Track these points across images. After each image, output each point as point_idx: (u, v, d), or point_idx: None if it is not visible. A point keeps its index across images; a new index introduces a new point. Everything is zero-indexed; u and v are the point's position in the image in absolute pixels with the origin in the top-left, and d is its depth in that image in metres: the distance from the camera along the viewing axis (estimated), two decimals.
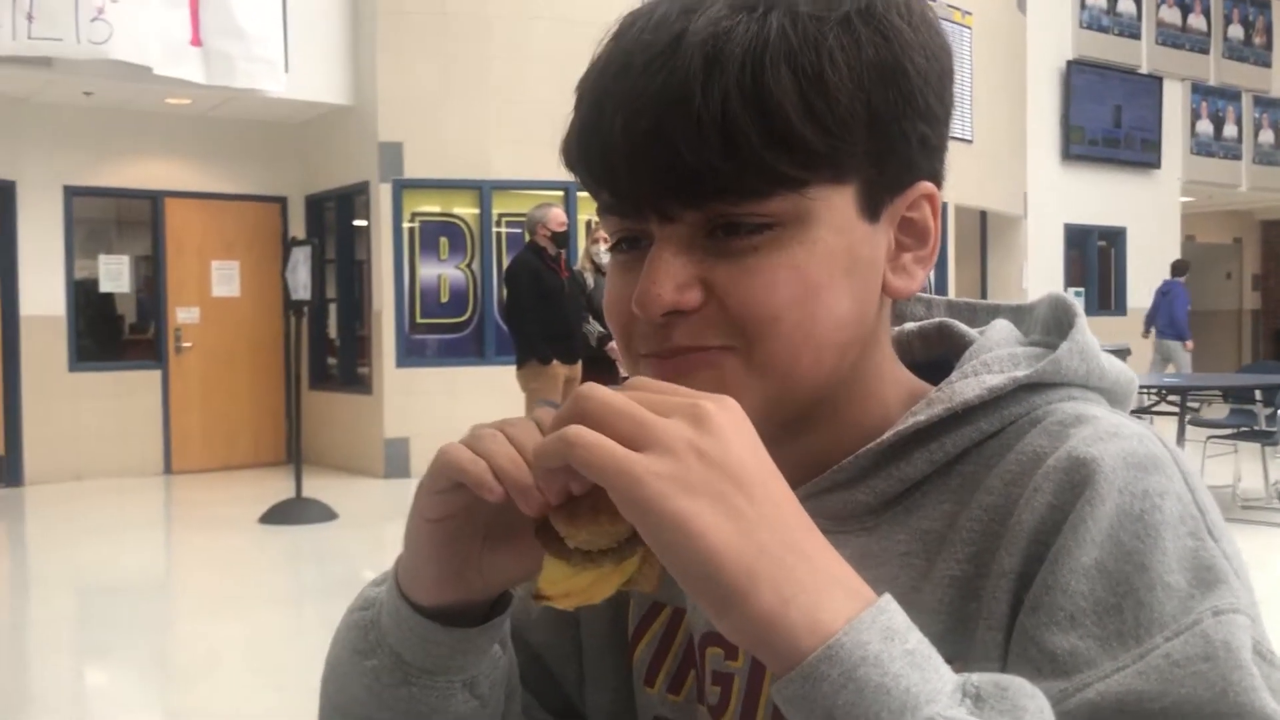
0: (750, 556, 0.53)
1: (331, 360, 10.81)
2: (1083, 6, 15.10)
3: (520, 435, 0.63)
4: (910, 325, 0.84)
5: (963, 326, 0.81)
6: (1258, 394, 7.85)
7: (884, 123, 0.66)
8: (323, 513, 7.52)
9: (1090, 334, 0.74)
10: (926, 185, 0.71)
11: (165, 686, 4.51)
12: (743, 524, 0.53)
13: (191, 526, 8.21)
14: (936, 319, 0.83)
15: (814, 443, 0.73)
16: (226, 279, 10.33)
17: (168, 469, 10.02)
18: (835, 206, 0.67)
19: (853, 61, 0.65)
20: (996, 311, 0.83)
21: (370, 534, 7.54)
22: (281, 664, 4.62)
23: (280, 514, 7.46)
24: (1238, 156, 17.16)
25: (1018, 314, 0.81)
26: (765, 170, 0.64)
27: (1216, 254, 19.93)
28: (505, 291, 6.93)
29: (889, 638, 0.53)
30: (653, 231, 0.68)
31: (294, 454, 8.08)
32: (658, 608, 0.82)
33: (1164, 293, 13.43)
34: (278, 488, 8.10)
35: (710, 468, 0.54)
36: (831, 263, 0.67)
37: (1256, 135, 17.31)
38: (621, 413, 0.55)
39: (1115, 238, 15.90)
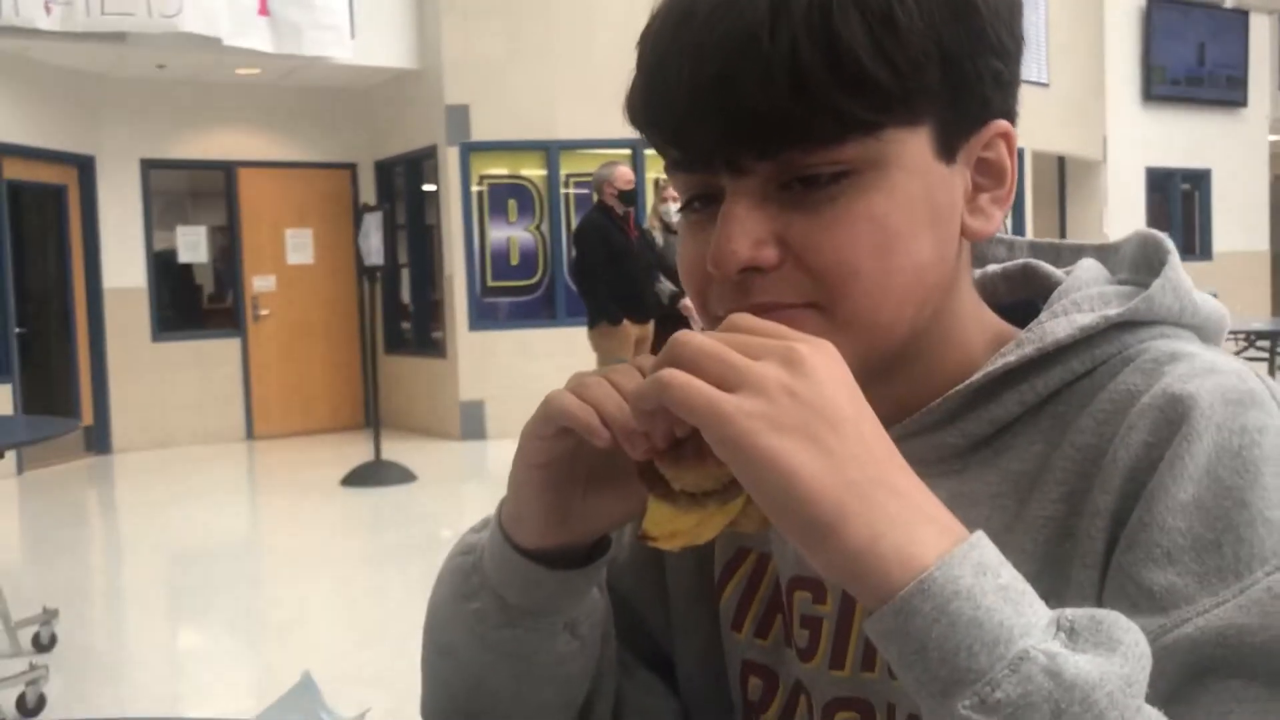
0: (840, 492, 0.53)
1: (405, 325, 10.92)
2: None
3: (624, 382, 0.64)
4: (993, 267, 0.83)
5: (1048, 267, 0.80)
6: None
7: (956, 60, 0.64)
8: (402, 475, 7.63)
9: (1183, 271, 0.72)
10: (1001, 124, 0.69)
11: (255, 644, 4.62)
12: (833, 461, 0.54)
13: (275, 490, 8.38)
14: (1020, 260, 0.82)
15: (899, 389, 0.71)
16: (300, 247, 10.46)
17: (250, 434, 10.23)
18: (911, 149, 0.65)
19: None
20: (1081, 251, 0.81)
21: (449, 494, 7.64)
22: (366, 621, 4.71)
23: (361, 476, 7.58)
24: None
25: (1104, 253, 0.79)
26: (838, 113, 0.62)
27: None
28: (574, 252, 6.89)
29: (981, 572, 0.53)
30: (724, 186, 0.66)
31: (372, 418, 8.20)
32: (744, 552, 0.82)
33: None
34: (357, 451, 8.23)
35: (801, 407, 0.54)
36: (911, 208, 0.65)
37: None
38: (713, 355, 0.55)
39: (1199, 180, 15.45)
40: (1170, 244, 0.74)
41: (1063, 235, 14.08)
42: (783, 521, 0.54)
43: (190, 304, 10.68)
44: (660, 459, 0.61)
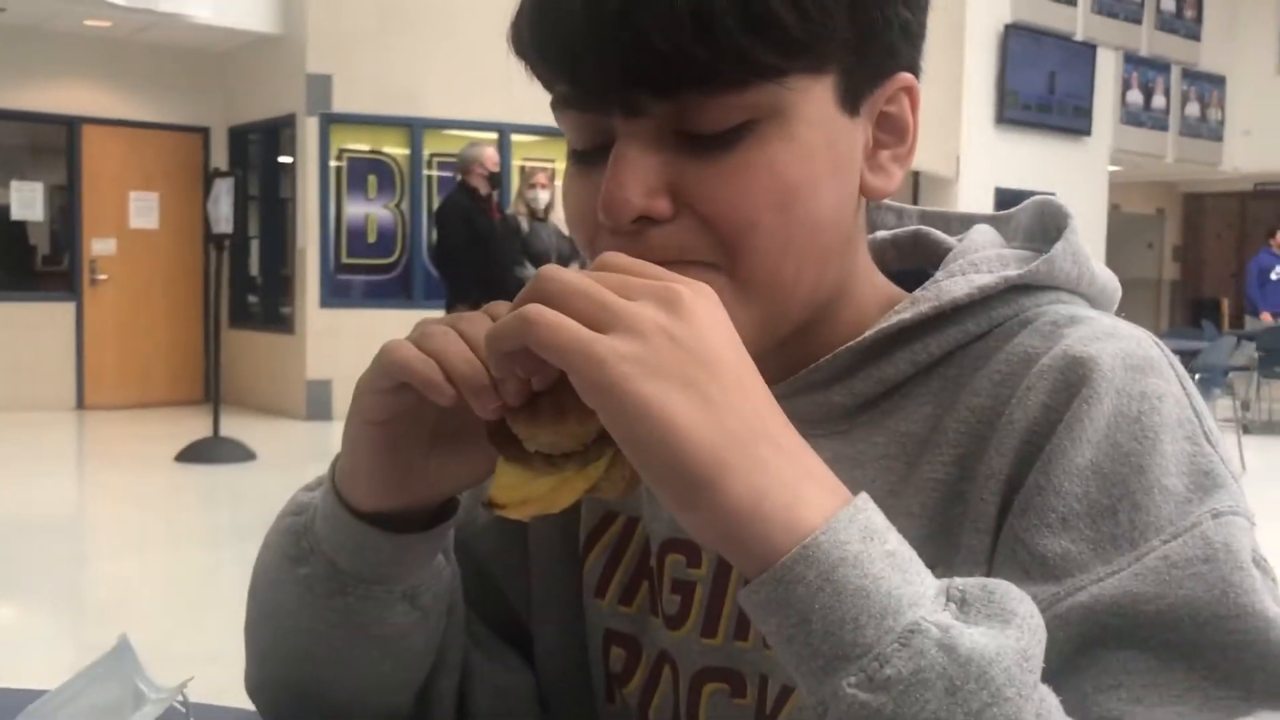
0: (721, 444, 0.49)
1: (253, 298, 10.59)
2: None
3: (474, 331, 0.58)
4: (883, 234, 0.81)
5: (939, 234, 0.78)
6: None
7: (865, 6, 0.62)
8: (241, 453, 7.37)
9: (1082, 239, 0.71)
10: (906, 77, 0.67)
11: (78, 623, 4.40)
12: (713, 411, 0.50)
13: (105, 463, 8.02)
14: (911, 227, 0.80)
15: (791, 349, 0.69)
16: (145, 210, 10.03)
17: (80, 404, 9.77)
18: (814, 98, 0.62)
19: None
20: (972, 220, 0.79)
21: (290, 476, 7.40)
22: (197, 603, 4.53)
23: (197, 453, 7.30)
24: (1165, 128, 17.45)
25: (998, 222, 0.78)
26: (742, 56, 0.59)
27: (1140, 224, 20.32)
28: (435, 233, 6.74)
29: (868, 537, 0.50)
30: (616, 128, 0.62)
31: (212, 392, 7.91)
32: (611, 516, 0.78)
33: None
34: (195, 426, 7.94)
35: (680, 351, 0.50)
36: (812, 161, 0.62)
37: (1184, 107, 17.60)
38: (585, 292, 0.51)
39: None
40: (1070, 211, 0.73)
41: None
42: (657, 477, 0.50)
43: (22, 264, 10.15)
44: (514, 416, 0.55)
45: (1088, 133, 16.25)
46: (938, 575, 0.52)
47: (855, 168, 0.66)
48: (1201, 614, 0.55)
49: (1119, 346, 0.62)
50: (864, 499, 0.52)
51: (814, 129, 0.62)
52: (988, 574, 0.60)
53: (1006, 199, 15.36)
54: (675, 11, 0.57)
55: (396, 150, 9.52)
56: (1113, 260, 15.12)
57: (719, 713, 0.71)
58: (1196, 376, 7.14)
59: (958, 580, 0.51)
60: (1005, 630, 0.48)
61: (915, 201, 14.69)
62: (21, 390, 9.39)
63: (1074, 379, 0.61)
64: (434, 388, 0.57)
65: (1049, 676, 0.53)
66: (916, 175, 14.22)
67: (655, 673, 0.74)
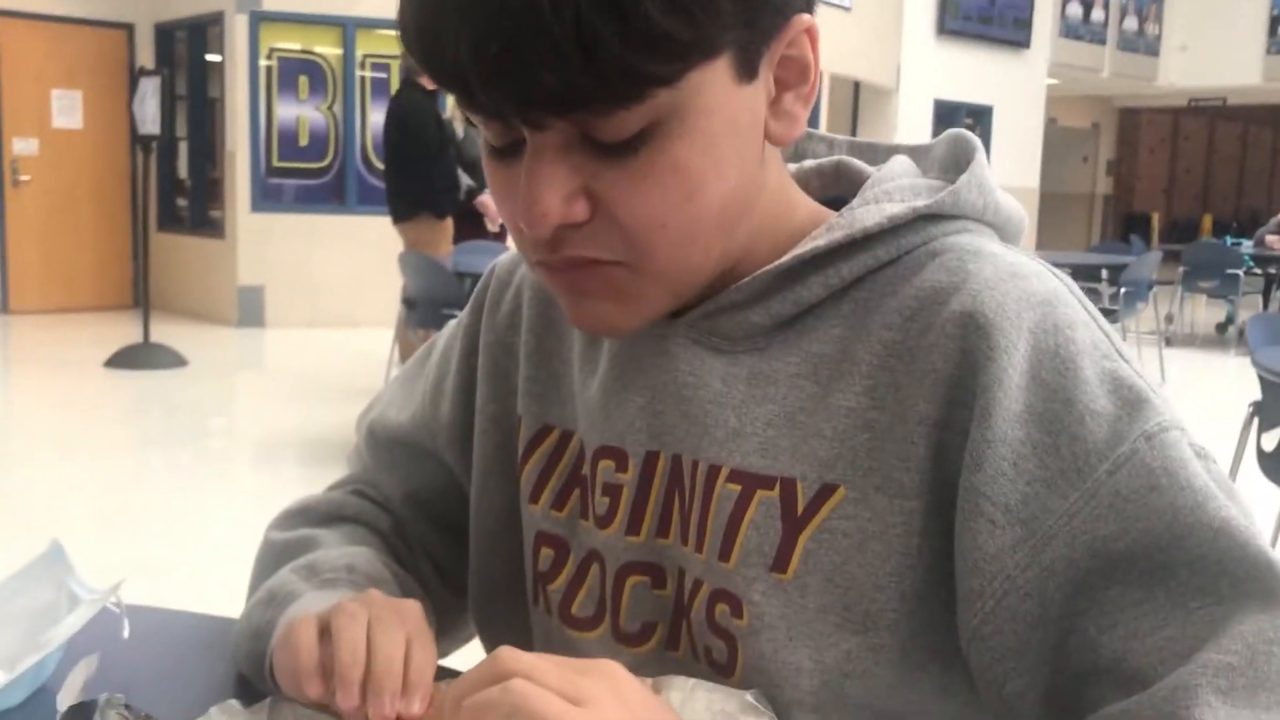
0: None
1: (182, 202, 10.37)
2: None
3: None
4: (809, 162, 0.83)
5: (860, 163, 0.80)
6: (1104, 273, 8.19)
7: None
8: (172, 359, 7.29)
9: (988, 170, 0.74)
10: (804, 18, 0.66)
11: (5, 529, 4.35)
12: None
13: (31, 368, 7.88)
14: (835, 157, 0.82)
15: (726, 271, 0.72)
16: (68, 109, 9.72)
17: (3, 309, 9.56)
18: (710, 83, 0.62)
19: None
20: (897, 150, 0.81)
21: (221, 382, 7.36)
22: (127, 508, 4.51)
23: (127, 359, 7.20)
24: (1102, 41, 17.54)
25: (917, 153, 0.81)
26: (633, 76, 0.59)
27: (1075, 138, 20.52)
28: (396, 135, 6.21)
29: None
30: (524, 136, 0.62)
31: (141, 297, 7.77)
32: (547, 429, 0.82)
33: None
34: (124, 332, 7.82)
35: (630, 713, 0.57)
36: (714, 148, 0.64)
37: (1122, 21, 17.69)
38: (553, 672, 0.57)
39: (982, 116, 16.17)
40: (978, 143, 0.76)
41: None
42: None
43: None
44: None
45: (1027, 45, 16.28)
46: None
47: (759, 126, 0.67)
48: (1161, 539, 0.59)
49: (1022, 287, 0.65)
50: None
51: (713, 115, 0.63)
52: (921, 507, 0.65)
53: (945, 110, 15.41)
54: (559, 46, 0.56)
55: (329, 50, 9.28)
56: (1048, 173, 15.31)
57: (640, 602, 0.75)
58: (1122, 290, 7.30)
59: None
60: None
61: (855, 112, 14.69)
62: None
63: (987, 326, 0.64)
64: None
65: (1058, 630, 0.60)
66: (857, 85, 14.18)
67: (582, 570, 0.78)
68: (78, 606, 0.92)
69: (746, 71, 0.64)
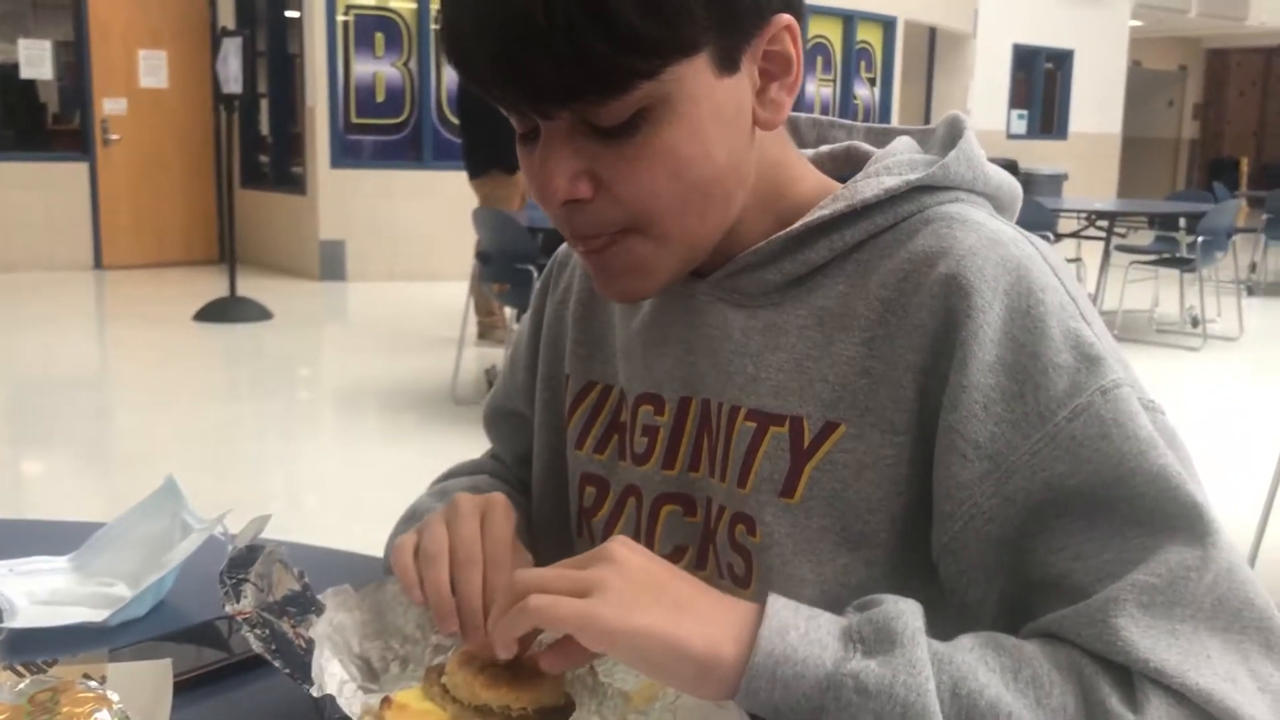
0: (702, 630, 0.66)
1: (264, 158, 10.60)
2: None
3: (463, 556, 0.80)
4: (825, 147, 0.93)
5: (869, 147, 0.91)
6: (1181, 221, 8.04)
7: None
8: (258, 312, 7.53)
9: (976, 145, 0.84)
10: (783, 18, 0.76)
11: (106, 475, 4.60)
12: (683, 610, 0.67)
13: (125, 321, 8.18)
14: (846, 143, 0.92)
15: (730, 245, 0.83)
16: (154, 69, 9.98)
17: (98, 264, 9.89)
18: (691, 76, 0.73)
19: None
20: (906, 133, 0.91)
21: (306, 334, 7.58)
22: (220, 455, 4.73)
23: (215, 312, 7.45)
24: None
25: (922, 135, 0.90)
26: (619, 71, 0.70)
27: (1161, 81, 19.95)
28: (466, 93, 6.35)
29: (784, 631, 0.66)
30: (539, 124, 0.75)
31: (227, 252, 8.01)
32: (591, 385, 0.95)
33: None
34: (211, 286, 8.07)
35: (638, 583, 0.67)
36: (700, 132, 0.74)
37: None
38: (559, 575, 0.68)
39: (1062, 60, 15.82)
40: (966, 122, 0.86)
41: (928, 107, 14.33)
42: (671, 674, 0.66)
43: (34, 124, 10.13)
44: (471, 671, 0.72)
45: None
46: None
47: (746, 114, 0.77)
48: (1108, 479, 0.69)
49: (1000, 254, 0.75)
50: (772, 608, 0.67)
51: (698, 103, 0.73)
52: (909, 442, 0.76)
53: (1024, 56, 15.08)
54: (554, 52, 0.68)
55: (403, 5, 9.40)
56: (1131, 119, 14.90)
57: (673, 528, 0.87)
58: (1200, 239, 7.17)
59: (854, 621, 0.67)
60: (892, 653, 0.64)
61: (931, 59, 14.44)
62: (39, 250, 9.52)
63: (968, 287, 0.74)
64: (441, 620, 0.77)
65: (1015, 549, 0.72)
66: (933, 31, 13.95)
67: (620, 503, 0.91)
68: (190, 534, 1.06)
69: (728, 66, 0.74)
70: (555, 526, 0.98)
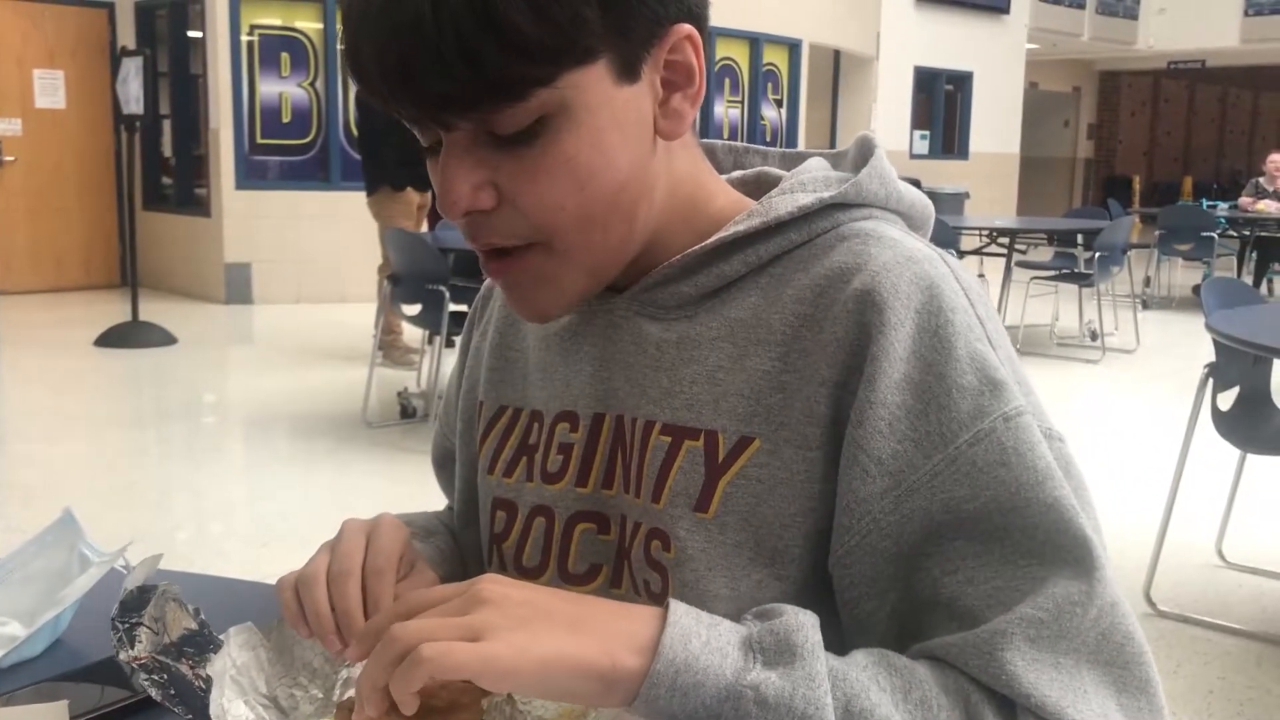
0: (597, 643, 0.64)
1: (167, 180, 10.39)
2: None
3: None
4: (737, 173, 0.94)
5: (779, 171, 0.91)
6: (1079, 238, 8.28)
7: None
8: (161, 336, 7.36)
9: (888, 164, 0.85)
10: (683, 27, 0.76)
11: (5, 504, 4.44)
12: (575, 628, 0.65)
13: (21, 348, 7.92)
14: (756, 168, 0.93)
15: (644, 261, 0.84)
16: (51, 89, 9.74)
17: None
18: (590, 84, 0.72)
19: None
20: (819, 155, 0.93)
21: (211, 358, 7.43)
22: (122, 484, 4.60)
23: (117, 337, 7.27)
24: (1081, 5, 17.55)
25: (835, 157, 0.92)
26: (513, 78, 0.69)
27: (1056, 102, 20.55)
28: (358, 113, 6.50)
29: (687, 639, 0.65)
30: (440, 135, 0.74)
31: (129, 276, 7.82)
32: (503, 410, 0.94)
33: None
34: (113, 311, 7.88)
35: (525, 613, 0.64)
36: (600, 140, 0.74)
37: None
38: (444, 624, 0.64)
39: (962, 82, 16.21)
40: (877, 142, 0.88)
41: (833, 128, 14.57)
42: (578, 693, 0.64)
43: None
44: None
45: (1006, 10, 16.28)
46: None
47: (647, 124, 0.76)
48: (1004, 507, 0.70)
49: (914, 272, 0.76)
50: (672, 617, 0.66)
51: (597, 111, 0.73)
52: (821, 458, 0.75)
53: (925, 78, 15.44)
54: (445, 61, 0.67)
55: (309, 25, 9.30)
56: (1029, 138, 15.30)
57: (588, 547, 0.86)
58: (1096, 255, 7.39)
59: (755, 631, 0.66)
60: (792, 666, 0.64)
61: (835, 81, 14.69)
62: None
63: (882, 304, 0.74)
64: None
65: (909, 565, 0.72)
66: (837, 54, 14.20)
67: (528, 525, 0.90)
68: (89, 567, 1.03)
69: (627, 74, 0.73)
70: (476, 557, 0.97)
